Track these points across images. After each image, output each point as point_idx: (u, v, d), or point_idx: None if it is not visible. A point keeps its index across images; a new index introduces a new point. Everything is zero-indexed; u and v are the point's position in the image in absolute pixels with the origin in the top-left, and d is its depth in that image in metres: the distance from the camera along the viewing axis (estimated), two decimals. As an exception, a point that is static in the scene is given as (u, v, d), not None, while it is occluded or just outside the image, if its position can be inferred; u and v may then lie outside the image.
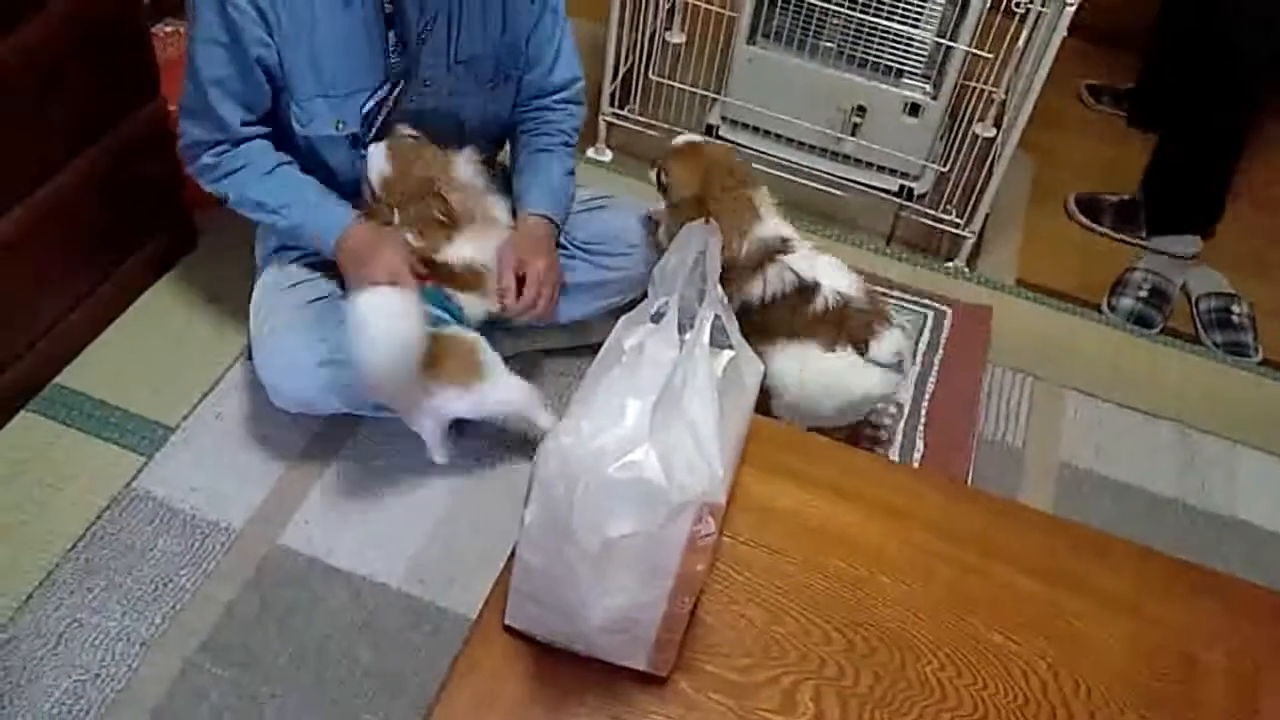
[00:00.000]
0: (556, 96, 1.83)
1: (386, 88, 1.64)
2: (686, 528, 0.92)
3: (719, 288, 1.05)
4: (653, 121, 2.51)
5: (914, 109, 2.35)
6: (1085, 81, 2.98)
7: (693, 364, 0.96)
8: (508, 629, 1.08)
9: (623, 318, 1.09)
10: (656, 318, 1.02)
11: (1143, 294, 2.38)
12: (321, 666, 1.55)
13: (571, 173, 1.87)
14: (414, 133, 1.70)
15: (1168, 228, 2.55)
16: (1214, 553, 1.88)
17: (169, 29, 2.26)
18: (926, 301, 2.27)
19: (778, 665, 1.09)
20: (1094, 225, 2.61)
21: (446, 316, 1.65)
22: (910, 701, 1.08)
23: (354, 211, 1.69)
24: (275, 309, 1.71)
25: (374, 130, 1.68)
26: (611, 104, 2.50)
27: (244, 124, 1.63)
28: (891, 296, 2.27)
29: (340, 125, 1.66)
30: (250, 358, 1.82)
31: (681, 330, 1.01)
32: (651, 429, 0.90)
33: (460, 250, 1.70)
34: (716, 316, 1.03)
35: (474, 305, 1.71)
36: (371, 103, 1.65)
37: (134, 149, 1.89)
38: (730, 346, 1.08)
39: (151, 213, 2.02)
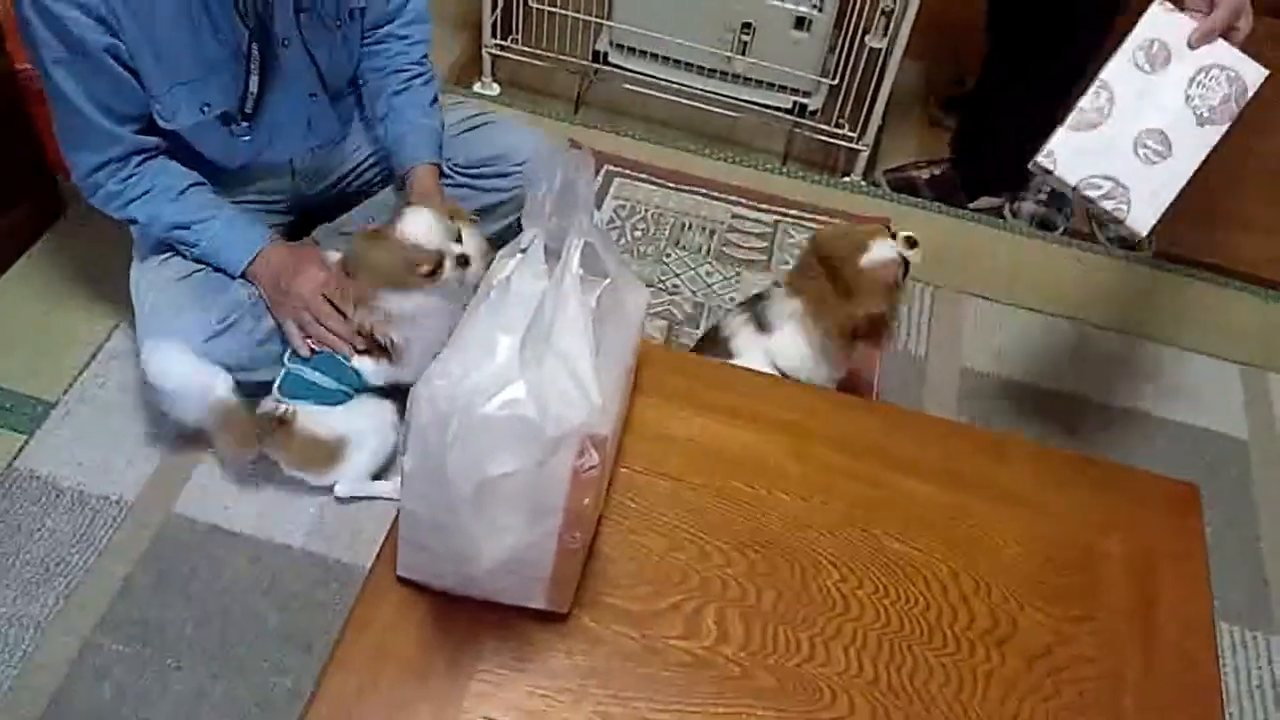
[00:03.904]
0: (400, 21, 1.74)
1: (243, 58, 1.54)
2: (568, 462, 0.90)
3: (593, 213, 1.01)
4: (539, 51, 2.45)
5: (801, 23, 2.31)
6: (933, 98, 2.67)
7: (562, 294, 0.93)
8: (401, 580, 1.05)
9: (500, 251, 1.05)
10: (526, 250, 0.99)
11: (1042, 197, 2.39)
12: (226, 632, 1.50)
13: (435, 100, 1.78)
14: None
15: None
16: (1119, 446, 1.90)
17: (14, -17, 2.13)
18: (824, 219, 2.25)
19: (679, 591, 1.08)
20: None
21: (342, 387, 1.59)
22: (813, 615, 1.08)
23: (269, 233, 1.63)
24: (152, 285, 1.63)
25: (246, 104, 1.58)
26: (494, 35, 2.42)
27: (135, 132, 1.53)
28: (789, 216, 2.25)
29: (206, 109, 1.55)
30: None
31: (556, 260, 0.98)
32: (522, 363, 0.87)
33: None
34: (589, 244, 0.99)
35: (375, 372, 1.61)
36: (232, 76, 1.55)
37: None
38: (606, 274, 1.04)
39: (11, 182, 1.91)
